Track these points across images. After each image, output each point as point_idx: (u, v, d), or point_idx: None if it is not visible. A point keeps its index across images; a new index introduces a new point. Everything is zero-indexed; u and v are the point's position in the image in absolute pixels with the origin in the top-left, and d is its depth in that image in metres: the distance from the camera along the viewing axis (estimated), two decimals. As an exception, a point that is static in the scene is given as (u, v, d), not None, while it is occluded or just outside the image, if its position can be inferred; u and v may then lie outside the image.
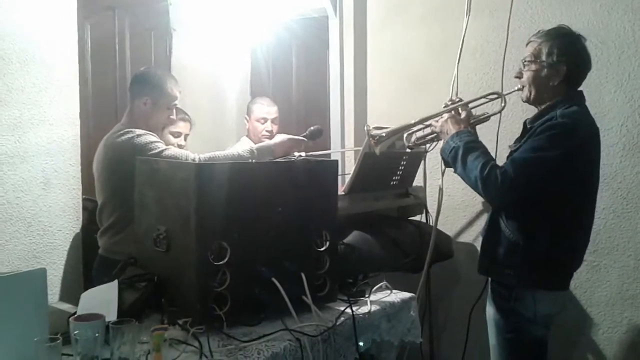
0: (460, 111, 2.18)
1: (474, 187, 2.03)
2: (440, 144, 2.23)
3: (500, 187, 1.94)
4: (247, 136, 3.33)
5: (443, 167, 2.85)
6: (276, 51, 3.84)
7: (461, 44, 2.90)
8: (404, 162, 2.59)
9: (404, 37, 3.28)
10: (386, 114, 3.30)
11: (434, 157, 2.85)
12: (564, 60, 2.03)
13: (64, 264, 2.69)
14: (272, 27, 3.76)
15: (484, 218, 3.02)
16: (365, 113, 3.42)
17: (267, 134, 3.21)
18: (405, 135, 2.34)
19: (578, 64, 2.07)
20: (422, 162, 2.78)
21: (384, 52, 3.36)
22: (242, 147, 2.61)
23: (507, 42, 2.86)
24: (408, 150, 2.57)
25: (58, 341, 1.40)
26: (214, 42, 3.72)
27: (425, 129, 2.32)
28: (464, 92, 2.86)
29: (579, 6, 2.75)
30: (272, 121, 3.27)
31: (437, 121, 2.19)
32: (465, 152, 2.03)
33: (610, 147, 2.64)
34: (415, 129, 2.32)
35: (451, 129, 2.12)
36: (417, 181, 2.84)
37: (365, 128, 2.30)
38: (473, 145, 2.05)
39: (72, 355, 1.48)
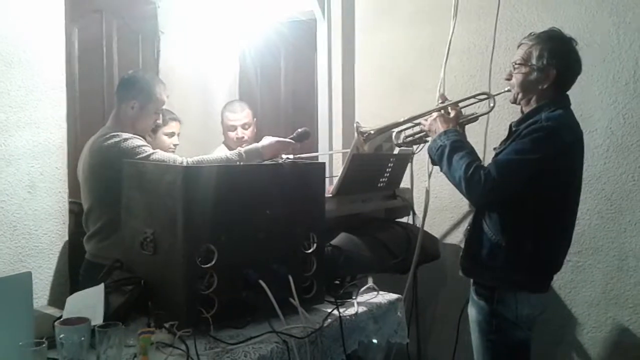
0: (449, 110, 2.20)
1: (458, 187, 2.05)
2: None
3: (483, 187, 1.95)
4: (224, 143, 3.29)
5: (430, 168, 2.87)
6: (264, 54, 3.84)
7: (448, 46, 2.92)
8: (391, 164, 2.60)
9: (391, 39, 3.30)
10: (374, 115, 3.30)
11: (421, 159, 2.88)
12: (553, 64, 2.03)
13: (50, 268, 2.67)
14: (261, 30, 3.77)
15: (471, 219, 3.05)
16: (353, 115, 3.43)
17: (238, 141, 3.13)
18: (394, 133, 2.36)
19: (568, 68, 2.08)
20: (409, 164, 2.79)
21: (372, 55, 3.38)
22: (225, 151, 2.59)
23: (493, 44, 2.89)
24: (397, 148, 2.59)
25: (43, 345, 1.40)
26: (202, 44, 3.72)
27: (415, 128, 2.34)
28: (451, 94, 2.86)
29: (564, 9, 2.78)
30: (242, 127, 3.19)
31: (426, 120, 2.21)
32: (451, 151, 2.04)
33: (595, 149, 2.67)
34: (404, 127, 2.34)
35: (439, 127, 2.14)
36: (404, 183, 2.85)
37: (355, 125, 2.32)
38: (459, 144, 2.07)
39: (57, 359, 1.47)
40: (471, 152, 2.06)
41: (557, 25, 2.61)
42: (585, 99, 2.67)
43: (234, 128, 3.20)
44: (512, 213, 2.04)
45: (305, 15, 3.57)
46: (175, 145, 2.85)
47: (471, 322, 2.20)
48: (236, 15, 3.76)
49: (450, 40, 2.92)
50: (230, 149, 2.98)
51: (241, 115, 3.21)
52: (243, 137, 3.16)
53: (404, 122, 2.29)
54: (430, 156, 2.21)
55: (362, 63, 3.42)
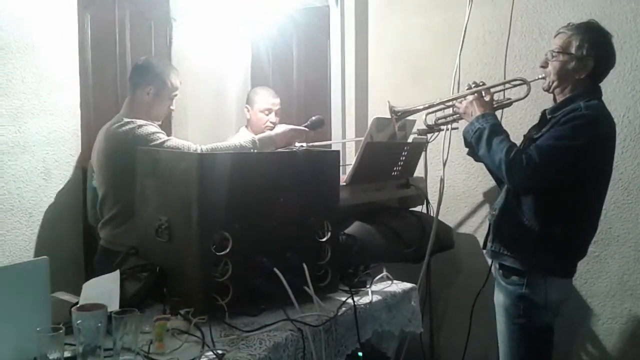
0: (484, 94, 2.19)
1: (497, 169, 2.06)
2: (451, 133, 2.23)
3: (525, 171, 1.96)
4: (246, 127, 3.30)
5: (445, 157, 2.85)
6: (277, 41, 3.81)
7: (463, 33, 2.89)
8: (405, 153, 2.59)
9: (405, 26, 3.26)
10: (387, 103, 3.28)
11: (435, 147, 2.86)
12: (592, 55, 2.05)
13: (66, 255, 2.69)
14: (273, 17, 3.74)
15: (485, 209, 3.03)
16: (366, 103, 3.41)
17: (271, 125, 3.14)
18: (424, 116, 2.37)
19: (605, 60, 2.10)
20: (424, 152, 2.77)
21: (386, 42, 3.35)
22: (241, 138, 2.59)
23: (509, 32, 2.85)
24: (411, 137, 2.59)
25: (61, 331, 1.40)
26: (215, 31, 3.70)
27: (446, 110, 2.34)
28: (465, 82, 2.84)
29: (582, -4, 2.74)
30: (276, 112, 3.22)
31: (460, 102, 2.21)
32: (490, 134, 2.05)
33: (616, 139, 2.63)
34: (435, 109, 2.35)
35: (476, 110, 2.14)
36: (418, 172, 2.84)
37: (388, 104, 2.31)
38: (499, 128, 2.09)
39: (74, 345, 1.48)
40: (509, 137, 2.08)
41: (573, 13, 2.59)
42: (602, 88, 2.62)
43: (270, 112, 3.20)
44: (546, 198, 2.05)
45: (319, 2, 3.54)
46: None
47: (497, 307, 2.21)
48: (249, 2, 3.73)
49: (466, 27, 2.88)
50: (255, 133, 2.97)
51: (277, 100, 3.24)
52: (275, 123, 3.15)
53: (438, 104, 2.29)
54: (465, 139, 2.22)
55: (376, 50, 3.39)
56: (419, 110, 2.33)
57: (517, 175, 2.00)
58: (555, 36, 2.15)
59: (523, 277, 2.11)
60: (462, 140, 2.26)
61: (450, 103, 2.27)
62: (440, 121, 2.38)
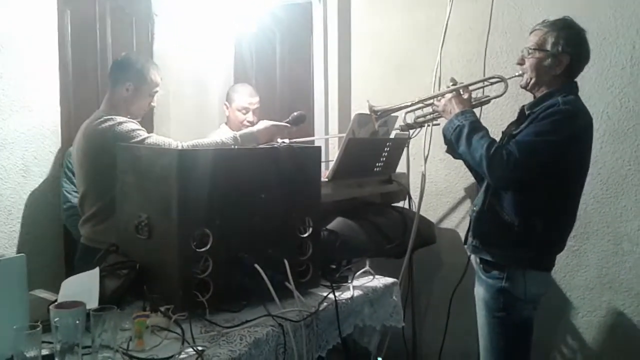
0: (462, 92, 2.21)
1: (478, 166, 2.07)
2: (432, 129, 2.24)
3: (506, 166, 1.98)
4: (226, 124, 3.28)
5: (427, 153, 2.87)
6: (260, 37, 3.80)
7: (444, 30, 2.90)
8: (388, 149, 2.59)
9: (388, 22, 3.27)
10: (370, 99, 3.28)
11: (417, 143, 2.87)
12: (568, 51, 2.09)
13: (45, 252, 2.67)
14: (256, 13, 3.73)
15: (466, 204, 3.05)
16: (349, 99, 3.42)
17: (248, 124, 3.10)
18: (403, 114, 2.39)
19: (580, 57, 2.14)
20: (406, 148, 2.78)
21: (368, 38, 3.35)
22: (222, 135, 2.58)
23: (489, 29, 2.87)
24: (394, 133, 2.60)
25: (38, 329, 1.39)
26: (197, 27, 3.68)
27: (425, 109, 2.35)
28: (446, 78, 2.86)
29: (561, -7, 2.76)
30: (254, 112, 3.17)
31: (439, 100, 2.22)
32: (470, 131, 2.07)
33: (593, 132, 2.66)
34: (414, 108, 2.36)
35: (455, 108, 2.16)
36: (400, 168, 2.85)
37: (368, 103, 2.32)
38: (478, 125, 2.11)
39: (52, 343, 1.47)
40: (488, 133, 2.10)
41: (554, 10, 2.61)
42: (582, 84, 2.61)
43: (247, 111, 3.17)
44: (525, 194, 2.07)
45: (302, -2, 3.54)
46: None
47: (478, 301, 2.24)
48: (231, -2, 3.72)
49: (447, 23, 2.90)
50: (234, 130, 2.95)
51: (255, 99, 3.20)
52: (253, 122, 3.11)
53: (417, 102, 2.30)
54: (445, 136, 2.24)
55: (358, 47, 3.39)
56: (398, 109, 2.34)
57: (498, 171, 2.02)
58: (530, 33, 2.17)
59: (503, 271, 2.13)
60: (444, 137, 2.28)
61: (430, 101, 2.28)
62: (419, 120, 2.40)
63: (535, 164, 2.01)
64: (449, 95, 2.19)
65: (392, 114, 2.46)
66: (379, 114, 2.32)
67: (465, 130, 2.08)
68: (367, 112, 2.41)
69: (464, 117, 2.11)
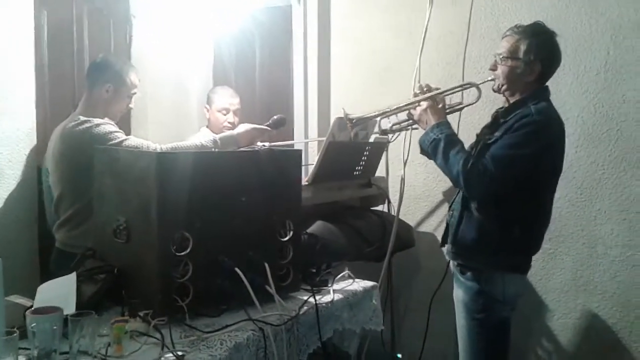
0: (437, 100, 2.22)
1: (455, 181, 2.11)
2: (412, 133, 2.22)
3: (482, 182, 2.02)
4: (207, 127, 3.26)
5: (405, 157, 2.89)
6: (239, 40, 3.78)
7: (424, 34, 2.93)
8: (367, 153, 2.60)
9: (367, 26, 3.29)
10: (350, 103, 3.28)
11: (396, 147, 2.89)
12: (540, 59, 2.11)
13: (20, 257, 2.61)
14: (236, 16, 3.71)
15: (444, 208, 3.07)
16: (328, 103, 3.42)
17: (229, 125, 3.10)
18: (379, 121, 2.39)
19: (552, 62, 2.17)
20: (385, 152, 2.80)
21: (348, 41, 3.36)
22: (202, 137, 2.57)
23: (468, 32, 2.90)
24: (373, 137, 2.60)
25: (15, 334, 1.36)
26: (176, 30, 3.65)
27: (400, 115, 2.36)
28: (426, 81, 2.86)
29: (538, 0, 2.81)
30: (234, 112, 3.18)
31: (415, 109, 2.22)
32: (446, 145, 2.09)
33: (567, 138, 2.69)
34: (389, 114, 2.36)
35: (431, 119, 2.17)
36: (379, 172, 2.86)
37: (342, 110, 2.32)
38: (454, 138, 2.13)
39: (29, 349, 1.44)
40: (463, 146, 2.13)
41: (530, 15, 2.66)
42: (557, 88, 2.69)
43: (227, 112, 3.16)
44: (503, 201, 2.10)
45: (281, 1, 3.53)
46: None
47: (457, 303, 2.26)
48: (211, 0, 3.70)
49: (427, 27, 2.92)
50: (215, 133, 2.93)
51: (235, 100, 3.19)
52: (234, 123, 3.11)
53: (393, 111, 2.30)
54: (421, 147, 2.25)
55: (339, 50, 3.40)
56: (374, 117, 2.33)
57: (475, 187, 2.06)
58: (502, 38, 2.19)
59: (480, 273, 2.17)
60: (422, 140, 2.29)
61: (405, 109, 2.28)
62: (395, 127, 2.39)
63: (510, 177, 2.05)
64: (424, 105, 2.19)
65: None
66: (354, 121, 2.32)
67: (442, 145, 2.10)
68: (356, 115, 2.41)
69: (439, 130, 2.13)
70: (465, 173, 2.03)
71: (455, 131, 2.68)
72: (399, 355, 2.27)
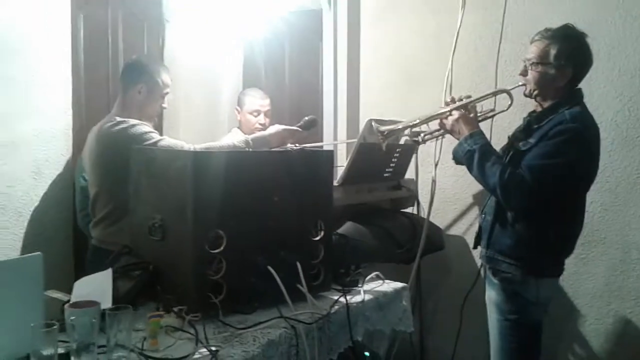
0: (468, 109, 2.21)
1: (492, 193, 2.11)
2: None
3: (520, 194, 2.02)
4: (238, 128, 3.31)
5: (437, 159, 2.88)
6: (270, 43, 3.82)
7: (455, 38, 2.92)
8: (397, 155, 2.61)
9: (397, 30, 3.29)
10: (379, 106, 3.32)
11: (426, 149, 2.88)
12: (571, 64, 2.09)
13: (56, 254, 2.68)
14: (267, 19, 3.75)
15: (474, 211, 3.06)
16: (358, 105, 3.44)
17: (260, 126, 3.14)
18: (409, 130, 2.38)
19: (584, 66, 2.15)
20: (415, 154, 2.80)
21: (378, 45, 3.37)
22: (234, 138, 2.60)
23: (500, 37, 2.88)
24: (403, 139, 2.60)
25: (55, 327, 1.40)
26: (208, 34, 3.70)
27: (431, 124, 2.35)
28: (457, 86, 2.89)
29: (571, 2, 2.79)
30: (265, 114, 3.22)
31: (446, 118, 2.21)
32: (481, 156, 2.09)
33: (600, 142, 2.67)
34: (419, 124, 2.35)
35: (464, 129, 2.16)
36: (409, 174, 2.86)
37: (374, 124, 2.32)
38: (488, 149, 2.12)
39: (67, 342, 1.47)
40: (499, 156, 2.13)
41: (563, 18, 2.61)
42: (590, 92, 2.65)
43: (258, 113, 3.21)
44: (539, 207, 2.08)
45: (312, 5, 3.56)
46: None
47: (489, 304, 2.25)
48: (242, 3, 3.74)
49: (458, 32, 2.91)
50: (246, 134, 2.97)
51: (265, 102, 3.24)
52: (265, 124, 3.16)
53: (423, 121, 2.29)
54: (455, 158, 2.27)
55: (368, 54, 3.42)
56: (404, 129, 2.33)
57: (513, 200, 2.05)
58: (531, 42, 2.17)
59: (514, 276, 2.15)
60: (453, 143, 2.29)
61: (436, 118, 2.27)
62: (427, 137, 2.39)
63: (547, 187, 2.03)
64: (456, 115, 2.18)
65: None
66: (385, 134, 2.32)
67: (477, 157, 2.09)
68: (377, 117, 2.42)
69: (473, 141, 2.12)
70: (503, 185, 2.02)
71: (488, 137, 2.70)
72: (367, 354, 2.25)
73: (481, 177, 2.10)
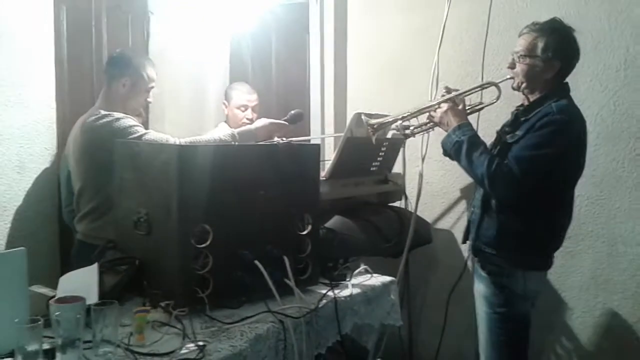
0: (457, 102, 2.22)
1: (480, 183, 2.12)
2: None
3: (507, 184, 2.03)
4: (225, 122, 3.29)
5: (423, 153, 2.88)
6: (256, 36, 3.79)
7: (442, 31, 2.91)
8: (384, 149, 2.60)
9: (384, 23, 3.28)
10: (365, 100, 3.31)
11: (413, 144, 2.88)
12: (558, 57, 2.11)
13: (41, 249, 2.64)
14: (253, 12, 3.72)
15: (462, 205, 3.06)
16: (345, 99, 3.43)
17: (248, 121, 3.11)
18: (399, 123, 2.38)
19: (571, 60, 2.17)
20: (402, 148, 2.79)
21: (364, 39, 3.36)
22: (220, 132, 2.58)
23: (487, 31, 2.88)
24: (390, 133, 2.60)
25: (39, 322, 1.38)
26: (193, 26, 3.66)
27: (420, 117, 2.36)
28: (443, 79, 2.88)
29: (557, -4, 2.79)
30: (253, 109, 3.20)
31: (435, 111, 2.22)
32: (469, 147, 2.10)
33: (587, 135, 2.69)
34: (408, 117, 2.36)
35: (452, 121, 2.17)
36: (396, 168, 2.86)
37: (363, 117, 2.32)
38: (476, 140, 2.13)
39: (52, 337, 1.45)
40: (486, 147, 2.14)
41: (549, 13, 2.63)
42: (576, 86, 2.66)
43: (246, 108, 3.19)
44: (526, 199, 2.09)
45: (298, -2, 3.55)
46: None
47: (477, 297, 2.26)
48: (228, -3, 3.71)
49: (444, 25, 2.91)
50: (233, 128, 2.95)
51: (253, 97, 3.22)
52: (252, 119, 3.13)
53: (413, 114, 2.30)
54: (444, 149, 2.26)
55: (355, 47, 3.40)
56: (394, 121, 2.33)
57: (500, 190, 2.07)
58: (519, 36, 2.19)
59: (502, 268, 2.17)
60: (440, 137, 2.29)
61: (425, 111, 2.29)
62: (416, 130, 2.40)
63: (534, 178, 2.05)
64: (444, 107, 2.20)
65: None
66: (375, 127, 2.33)
67: (465, 147, 2.11)
68: (364, 112, 2.41)
69: (461, 132, 2.14)
70: (490, 175, 2.03)
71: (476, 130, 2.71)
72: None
73: (469, 167, 2.11)
